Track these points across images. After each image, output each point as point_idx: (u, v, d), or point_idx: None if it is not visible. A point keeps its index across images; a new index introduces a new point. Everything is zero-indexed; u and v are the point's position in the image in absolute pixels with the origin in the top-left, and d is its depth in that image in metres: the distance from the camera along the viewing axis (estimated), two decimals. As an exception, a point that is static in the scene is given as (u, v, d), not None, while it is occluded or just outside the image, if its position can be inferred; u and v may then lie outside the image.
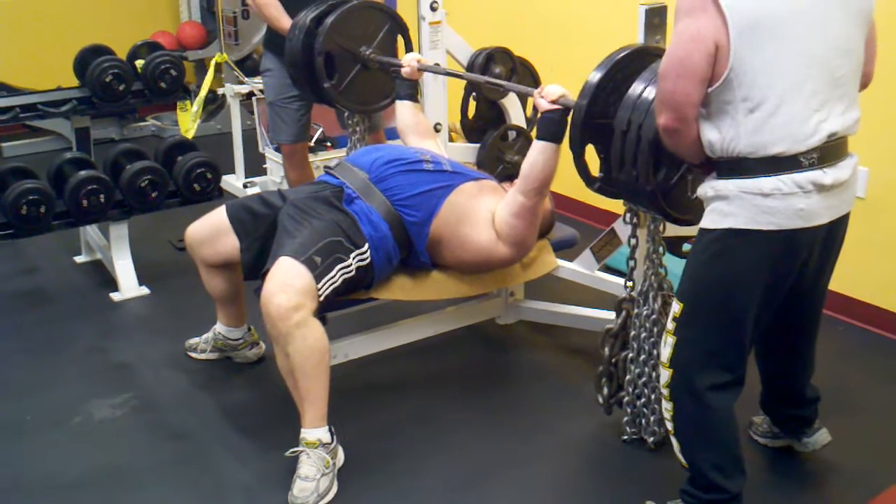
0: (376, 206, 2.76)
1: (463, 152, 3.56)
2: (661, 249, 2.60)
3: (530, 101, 3.73)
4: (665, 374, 2.24)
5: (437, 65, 3.38)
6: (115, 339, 3.49)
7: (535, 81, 3.74)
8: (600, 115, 2.39)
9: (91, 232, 4.09)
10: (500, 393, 3.09)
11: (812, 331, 2.46)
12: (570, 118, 2.48)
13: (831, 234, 2.16)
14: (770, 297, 2.18)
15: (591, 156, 2.44)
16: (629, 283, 2.69)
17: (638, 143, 2.27)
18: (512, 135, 3.60)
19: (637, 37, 2.61)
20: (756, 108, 1.96)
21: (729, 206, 2.05)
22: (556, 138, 2.60)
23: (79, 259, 4.18)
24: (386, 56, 3.37)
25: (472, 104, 3.64)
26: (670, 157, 2.24)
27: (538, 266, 3.10)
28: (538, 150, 2.65)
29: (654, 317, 2.61)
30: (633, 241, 2.65)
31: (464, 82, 3.50)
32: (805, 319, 2.42)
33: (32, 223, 3.53)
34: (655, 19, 2.65)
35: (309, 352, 2.47)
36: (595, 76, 2.38)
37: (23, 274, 4.11)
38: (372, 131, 3.80)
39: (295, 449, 2.53)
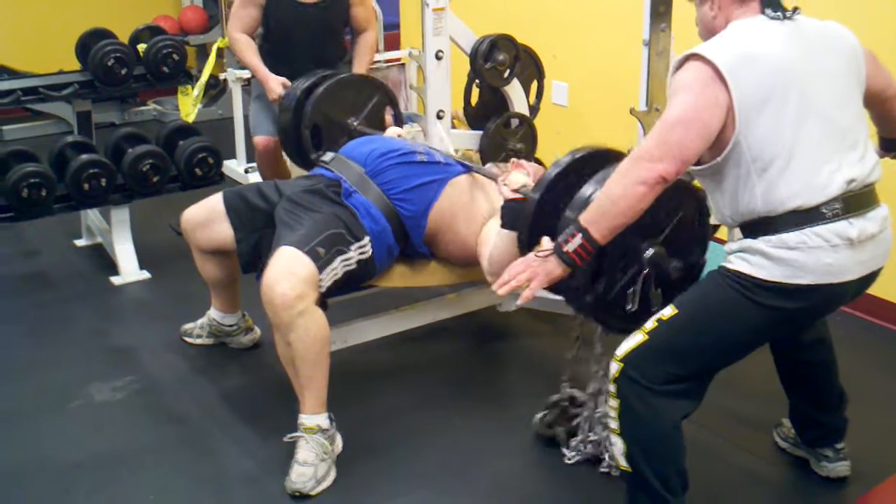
0: (373, 200, 2.75)
1: (466, 139, 3.56)
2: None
3: (533, 88, 3.73)
4: (613, 367, 2.12)
5: (439, 53, 3.38)
6: (115, 323, 3.50)
7: (538, 69, 3.74)
8: (553, 213, 2.28)
9: (92, 216, 4.09)
10: (499, 381, 3.10)
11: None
12: None
13: (860, 291, 2.12)
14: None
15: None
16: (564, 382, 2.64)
17: None
18: (514, 122, 3.59)
19: (642, 24, 2.60)
20: (768, 166, 1.97)
21: (756, 258, 2.01)
22: (514, 228, 2.47)
23: (79, 243, 4.18)
24: (373, 128, 3.35)
25: (476, 91, 3.64)
26: (611, 265, 2.15)
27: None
28: (500, 237, 2.59)
29: (605, 420, 2.48)
30: (578, 341, 2.59)
31: (467, 68, 3.50)
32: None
33: (33, 206, 3.53)
34: (661, 7, 2.64)
35: (311, 341, 2.47)
36: (552, 172, 2.31)
37: (23, 257, 4.11)
38: None
39: (293, 434, 2.53)
